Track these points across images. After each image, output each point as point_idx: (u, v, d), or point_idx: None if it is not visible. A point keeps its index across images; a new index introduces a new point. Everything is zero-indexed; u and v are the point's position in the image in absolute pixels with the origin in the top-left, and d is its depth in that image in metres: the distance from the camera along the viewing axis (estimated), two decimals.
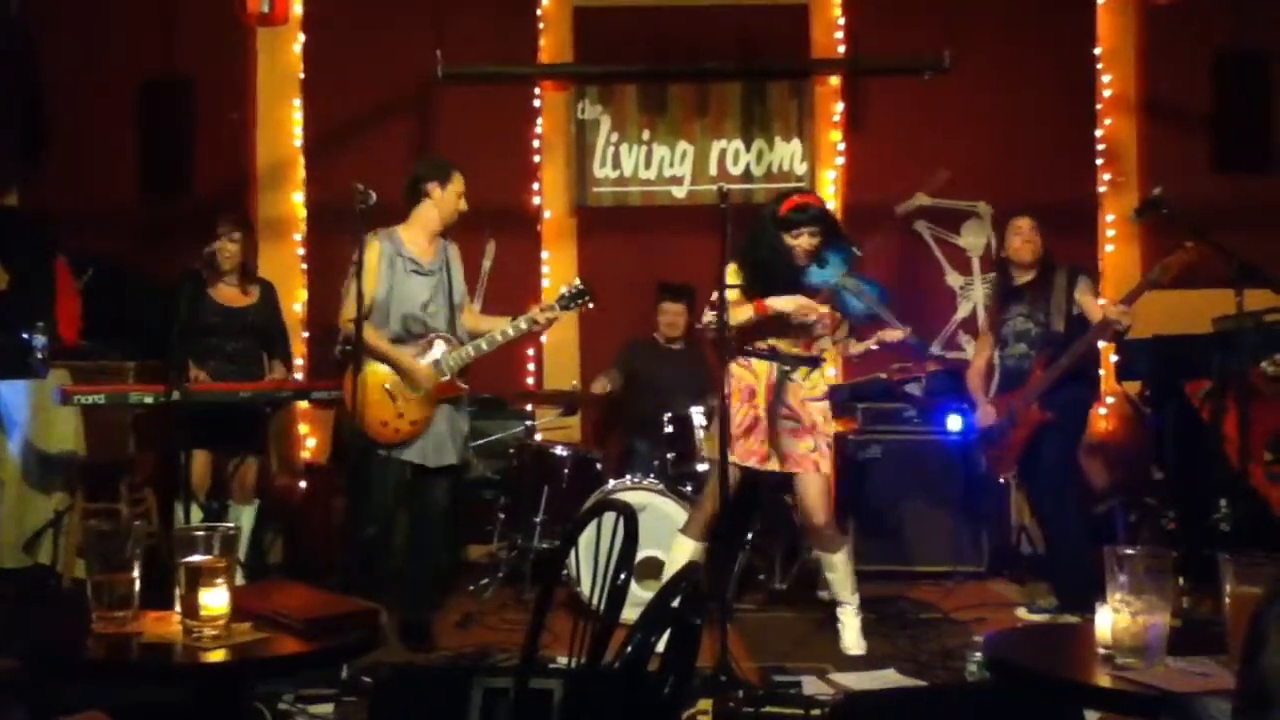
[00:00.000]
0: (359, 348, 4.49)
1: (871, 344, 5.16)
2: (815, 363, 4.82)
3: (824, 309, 4.75)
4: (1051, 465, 5.30)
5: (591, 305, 4.99)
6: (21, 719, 3.06)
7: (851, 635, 4.77)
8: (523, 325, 4.83)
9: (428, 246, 4.85)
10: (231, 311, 5.58)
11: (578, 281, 5.02)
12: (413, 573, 4.94)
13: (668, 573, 4.81)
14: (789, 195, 4.84)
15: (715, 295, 4.57)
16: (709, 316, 4.67)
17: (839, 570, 4.81)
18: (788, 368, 4.74)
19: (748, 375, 4.76)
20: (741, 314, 4.63)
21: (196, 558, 2.33)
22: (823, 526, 4.77)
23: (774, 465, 4.74)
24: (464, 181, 4.89)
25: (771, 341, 4.75)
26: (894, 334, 5.06)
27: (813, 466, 4.72)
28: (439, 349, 4.80)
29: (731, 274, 4.68)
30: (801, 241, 4.70)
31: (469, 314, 5.11)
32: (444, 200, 4.83)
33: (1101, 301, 5.44)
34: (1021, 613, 5.45)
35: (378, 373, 4.73)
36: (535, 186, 7.05)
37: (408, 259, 4.79)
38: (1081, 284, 5.32)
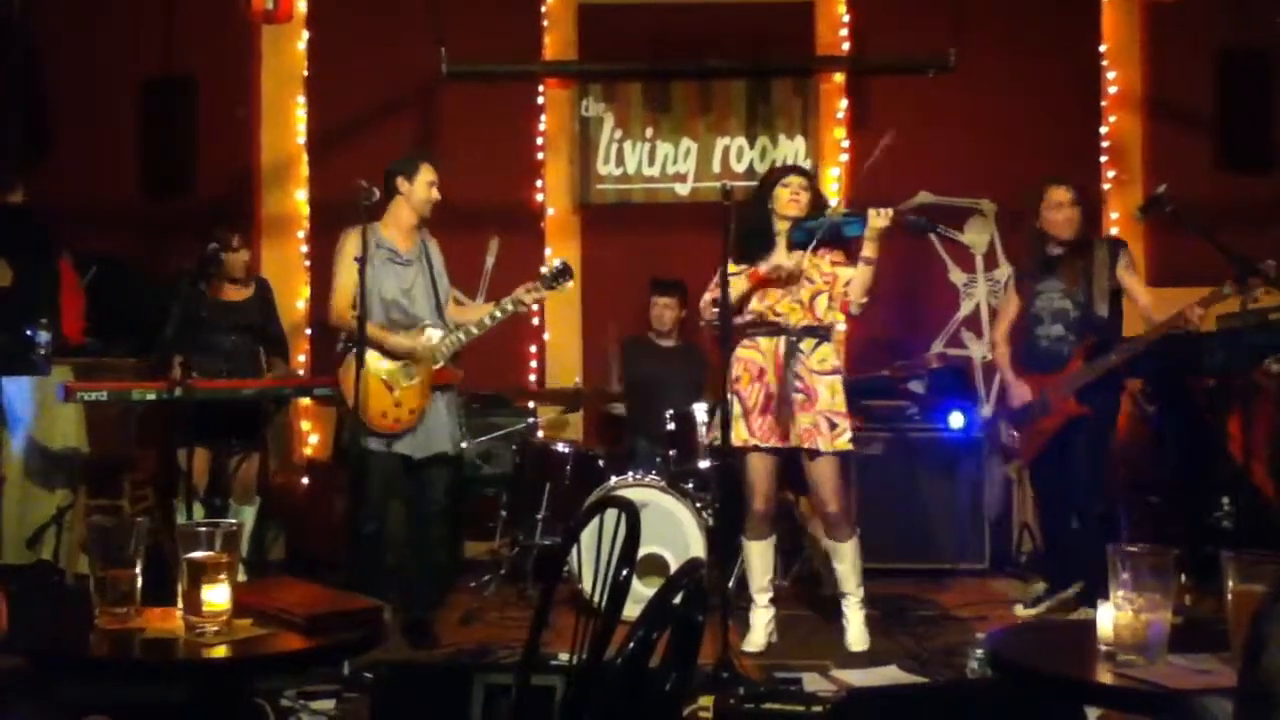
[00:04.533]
0: (362, 342, 4.49)
1: (866, 252, 4.53)
2: (822, 334, 4.76)
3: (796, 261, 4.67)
4: (1084, 461, 5.08)
5: (571, 284, 5.03)
6: (25, 716, 3.05)
7: (855, 631, 4.76)
8: (509, 306, 4.87)
9: (404, 239, 4.90)
10: (227, 306, 5.64)
11: (557, 260, 5.03)
12: (412, 570, 4.97)
13: (754, 575, 4.88)
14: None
15: (716, 279, 4.60)
16: (708, 297, 4.74)
17: (846, 560, 4.78)
18: (794, 339, 4.70)
19: (755, 354, 4.75)
20: (737, 288, 4.66)
21: (199, 554, 2.33)
22: (833, 512, 4.74)
23: (793, 441, 4.69)
24: (434, 170, 4.90)
25: (774, 312, 4.72)
26: (878, 221, 4.45)
27: (813, 442, 4.65)
28: (431, 336, 4.84)
29: (729, 265, 4.73)
30: (791, 189, 4.72)
31: (455, 307, 5.16)
32: (414, 192, 4.88)
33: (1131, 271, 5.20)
34: (1019, 610, 5.38)
35: (373, 364, 4.76)
36: (538, 184, 7.05)
37: (385, 249, 4.84)
38: (1124, 259, 5.09)
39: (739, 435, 4.71)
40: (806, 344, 4.72)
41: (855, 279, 4.63)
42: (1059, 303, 5.14)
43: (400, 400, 4.75)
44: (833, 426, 4.68)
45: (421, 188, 4.87)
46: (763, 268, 4.70)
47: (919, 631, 5.09)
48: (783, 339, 4.71)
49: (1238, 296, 4.81)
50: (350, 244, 4.76)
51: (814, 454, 4.69)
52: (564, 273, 4.94)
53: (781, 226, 4.77)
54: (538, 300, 4.94)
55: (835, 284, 4.72)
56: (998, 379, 6.28)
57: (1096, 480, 5.18)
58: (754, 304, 4.75)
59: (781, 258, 4.71)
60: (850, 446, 4.74)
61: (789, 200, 4.74)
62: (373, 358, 4.72)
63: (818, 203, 4.81)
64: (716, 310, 4.59)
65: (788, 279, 4.70)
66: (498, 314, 4.87)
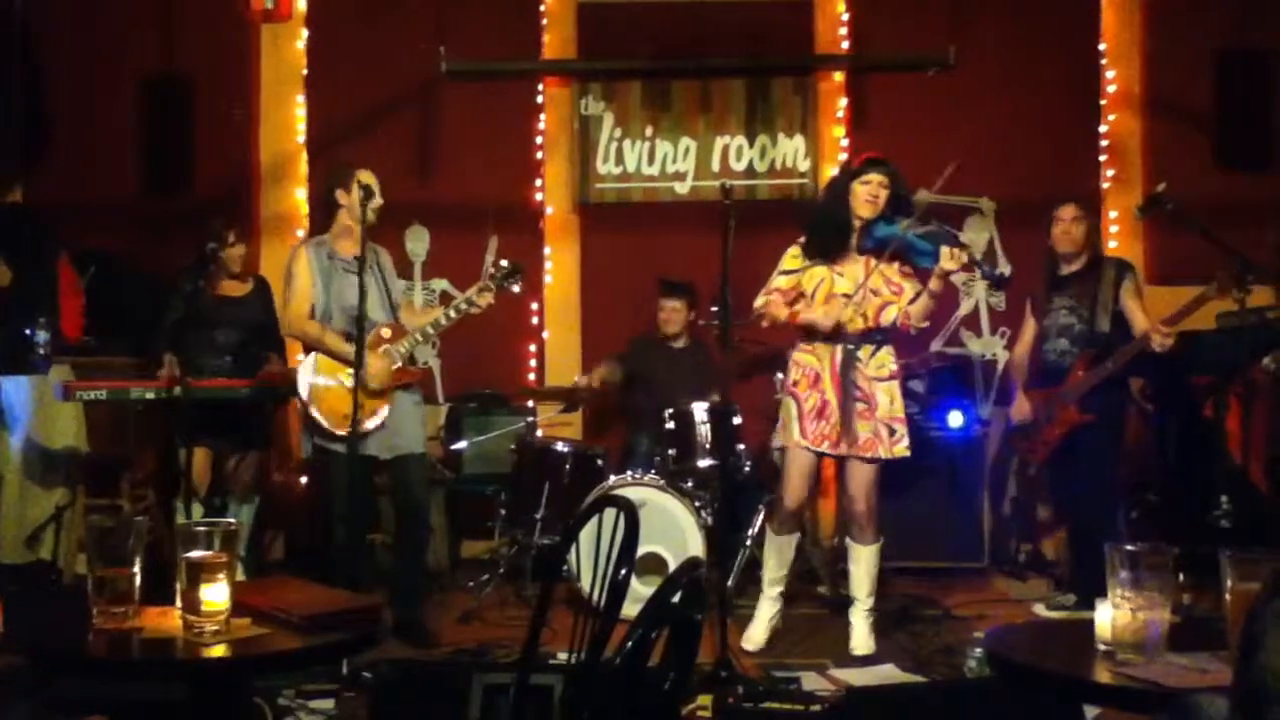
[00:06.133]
0: (360, 348, 4.48)
1: (931, 286, 4.52)
2: (880, 339, 4.69)
3: (846, 311, 4.62)
4: (1090, 467, 5.20)
5: (520, 286, 5.00)
6: (24, 715, 3.06)
7: (860, 636, 4.72)
8: (462, 306, 4.87)
9: (353, 248, 4.83)
10: (226, 302, 5.65)
11: (505, 261, 5.00)
12: (396, 570, 5.00)
13: (769, 566, 4.88)
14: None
15: (774, 278, 4.71)
16: (761, 300, 4.75)
17: (861, 565, 4.74)
18: (852, 346, 4.65)
19: (811, 359, 4.71)
20: (779, 313, 4.69)
21: (197, 553, 2.33)
22: (862, 511, 4.70)
23: (844, 449, 4.65)
24: (369, 174, 4.83)
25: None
26: (949, 263, 4.36)
27: (873, 450, 4.62)
28: (382, 332, 4.86)
29: (789, 259, 4.76)
30: (870, 188, 4.60)
31: (410, 311, 5.18)
32: (353, 201, 4.82)
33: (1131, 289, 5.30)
34: (1039, 609, 5.41)
35: (331, 368, 4.79)
36: (538, 183, 7.04)
37: (339, 259, 4.85)
38: (1128, 282, 5.21)
39: (792, 437, 4.70)
40: (864, 350, 4.66)
41: (917, 304, 4.60)
42: (1065, 319, 5.30)
43: (361, 402, 4.74)
44: (891, 433, 4.65)
45: (359, 195, 4.80)
46: (803, 316, 4.67)
47: (917, 630, 5.09)
48: (840, 347, 4.65)
49: (1227, 296, 4.86)
50: (302, 258, 4.84)
51: (870, 460, 4.65)
52: (514, 273, 4.93)
53: (856, 222, 4.67)
54: (488, 302, 4.91)
55: (902, 297, 4.65)
56: (997, 379, 6.29)
57: (1103, 485, 5.23)
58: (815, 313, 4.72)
59: (822, 314, 4.62)
60: (908, 453, 4.69)
61: (865, 201, 4.62)
62: (332, 364, 4.78)
63: (898, 201, 4.64)
64: (763, 316, 4.72)
65: (822, 335, 4.67)
66: (452, 314, 4.87)
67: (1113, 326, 5.17)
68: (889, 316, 4.65)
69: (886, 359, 4.70)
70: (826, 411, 4.66)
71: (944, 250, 4.36)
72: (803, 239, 4.78)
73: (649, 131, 7.01)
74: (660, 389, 6.08)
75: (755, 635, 4.83)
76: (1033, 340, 5.50)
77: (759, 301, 4.78)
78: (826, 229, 4.71)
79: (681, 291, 6.31)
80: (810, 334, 4.73)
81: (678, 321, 6.30)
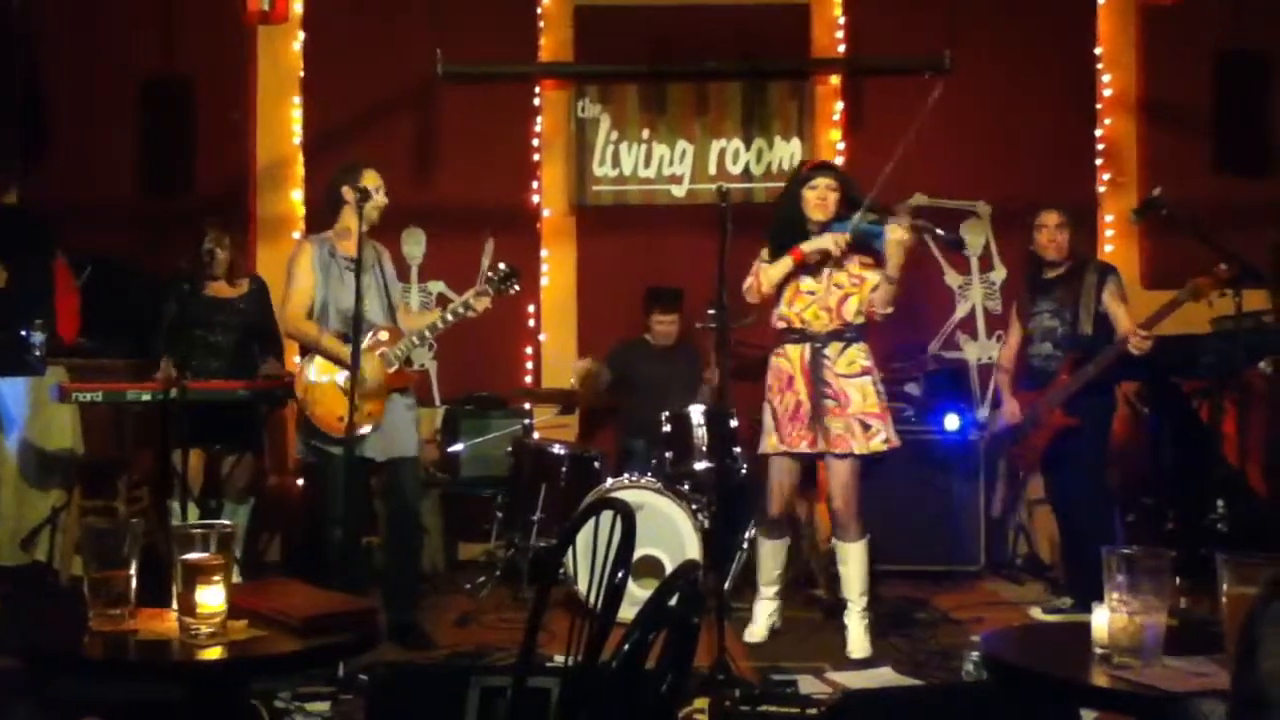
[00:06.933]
0: (356, 349, 4.47)
1: (889, 270, 4.56)
2: (850, 336, 4.74)
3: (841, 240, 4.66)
4: (1079, 470, 5.23)
5: (517, 290, 5.03)
6: (22, 716, 3.06)
7: (856, 639, 4.72)
8: (459, 310, 4.88)
9: (355, 247, 4.80)
10: (219, 302, 5.63)
11: (502, 265, 5.00)
12: (389, 573, 4.99)
13: (762, 570, 4.95)
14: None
15: (756, 264, 4.80)
16: (749, 281, 4.81)
17: (850, 564, 4.76)
18: (819, 344, 4.71)
19: (784, 363, 4.78)
20: (779, 268, 4.73)
21: (193, 555, 2.33)
22: (841, 511, 4.74)
23: (821, 446, 4.70)
24: (377, 175, 4.83)
25: (801, 319, 4.73)
26: (895, 234, 4.46)
27: (846, 447, 4.66)
28: (380, 336, 4.85)
29: (761, 258, 4.85)
30: (818, 192, 4.71)
31: (406, 314, 5.17)
32: (354, 200, 4.81)
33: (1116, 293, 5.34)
34: (1035, 612, 5.42)
35: (327, 369, 4.78)
36: (534, 185, 7.05)
37: (340, 258, 4.83)
38: (1110, 285, 5.23)
39: (770, 444, 4.78)
40: (833, 349, 4.71)
41: (880, 291, 4.67)
42: (1048, 322, 5.32)
43: (356, 404, 4.72)
44: (866, 428, 4.69)
45: (355, 196, 4.78)
46: (805, 246, 4.70)
47: (914, 633, 5.09)
48: (808, 346, 4.72)
49: (1203, 300, 4.90)
50: (305, 255, 4.82)
51: (843, 455, 4.69)
52: (510, 277, 4.94)
53: (812, 228, 4.76)
54: (485, 306, 4.91)
55: (863, 287, 4.72)
56: (992, 385, 6.30)
57: (1091, 489, 5.25)
58: (783, 308, 4.78)
59: (831, 241, 4.68)
60: (884, 447, 4.72)
61: (815, 204, 4.73)
62: (328, 365, 4.77)
63: (849, 200, 4.73)
64: (755, 290, 4.77)
65: (830, 260, 4.71)
66: (449, 317, 4.88)
67: (1096, 329, 5.18)
68: (850, 308, 4.73)
69: (857, 355, 4.75)
70: (801, 412, 4.72)
71: (889, 225, 4.48)
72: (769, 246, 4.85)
73: (646, 134, 7.02)
74: (651, 391, 6.08)
75: (755, 631, 4.90)
76: (1018, 345, 5.53)
77: (747, 283, 4.83)
78: (784, 236, 4.79)
79: (674, 305, 6.28)
80: (783, 335, 4.80)
81: (673, 334, 6.30)
